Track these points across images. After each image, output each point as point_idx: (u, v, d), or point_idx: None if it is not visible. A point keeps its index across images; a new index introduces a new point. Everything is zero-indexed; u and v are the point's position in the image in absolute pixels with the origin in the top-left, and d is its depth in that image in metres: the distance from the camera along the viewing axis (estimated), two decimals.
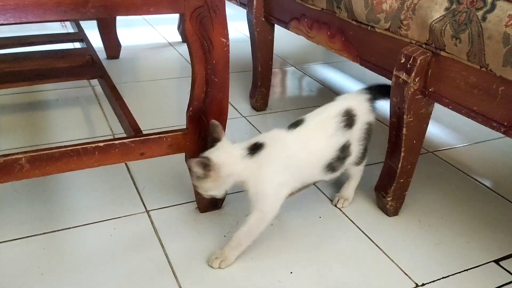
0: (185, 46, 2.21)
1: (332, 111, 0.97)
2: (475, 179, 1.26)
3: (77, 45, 1.69)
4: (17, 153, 0.84)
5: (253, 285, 0.86)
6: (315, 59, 2.18)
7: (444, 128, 1.55)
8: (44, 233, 0.97)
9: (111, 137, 1.34)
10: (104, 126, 1.41)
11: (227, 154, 0.88)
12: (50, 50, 1.37)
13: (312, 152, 0.93)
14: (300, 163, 0.92)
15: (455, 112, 0.88)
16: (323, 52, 2.30)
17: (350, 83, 1.92)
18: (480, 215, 1.11)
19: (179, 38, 2.28)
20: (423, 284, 0.89)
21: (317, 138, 0.94)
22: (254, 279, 0.88)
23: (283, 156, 0.90)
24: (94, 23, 1.89)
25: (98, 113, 1.50)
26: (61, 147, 0.87)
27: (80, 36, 1.51)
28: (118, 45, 1.93)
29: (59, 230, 0.98)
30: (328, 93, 1.79)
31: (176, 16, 2.38)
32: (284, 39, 2.11)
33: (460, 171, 1.29)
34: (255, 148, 0.89)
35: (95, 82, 1.69)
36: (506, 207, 1.14)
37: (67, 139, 1.32)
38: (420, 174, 1.23)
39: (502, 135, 0.82)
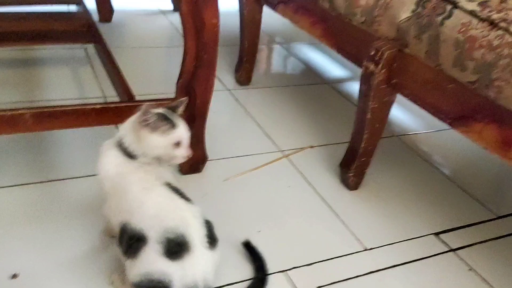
0: (176, 15, 2.27)
1: None
2: (431, 164, 1.40)
3: (73, 8, 1.74)
4: (22, 108, 0.94)
5: (222, 235, 0.96)
6: (301, 39, 2.27)
7: (412, 114, 1.69)
8: (41, 182, 1.07)
9: (102, 99, 1.43)
10: (96, 88, 1.50)
11: None
12: (48, 12, 1.43)
13: None
14: None
15: None
16: None
17: (331, 64, 2.03)
18: (429, 195, 1.26)
19: (171, 7, 2.34)
20: (371, 248, 1.04)
21: None
22: (225, 234, 0.99)
23: None
24: None
25: (90, 75, 1.58)
26: (62, 106, 0.97)
27: None
28: (111, 9, 1.98)
29: (55, 180, 1.08)
30: (309, 72, 1.91)
31: None
32: (274, 16, 2.18)
33: (418, 156, 1.44)
34: None
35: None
36: (452, 189, 1.30)
37: (60, 98, 1.40)
38: (383, 155, 1.37)
39: None
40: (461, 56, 0.86)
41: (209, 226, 0.81)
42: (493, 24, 0.81)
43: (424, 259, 1.04)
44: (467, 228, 1.15)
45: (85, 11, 1.50)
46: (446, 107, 0.93)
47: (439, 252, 1.06)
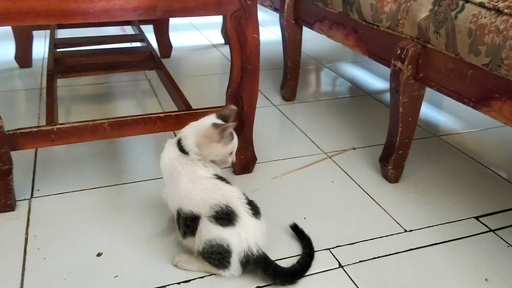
0: (227, 47, 2.50)
1: None
2: (471, 157, 1.45)
3: (135, 44, 2.01)
4: (102, 119, 1.14)
5: (272, 221, 1.08)
6: (342, 59, 2.41)
7: (451, 115, 1.75)
8: (115, 185, 1.26)
9: None
10: (159, 110, 1.71)
11: None
12: (118, 48, 1.69)
13: None
14: None
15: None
16: (351, 52, 2.53)
17: (371, 79, 2.14)
18: (469, 184, 1.31)
19: (222, 41, 2.58)
20: (410, 230, 1.11)
21: None
22: (274, 220, 1.12)
23: None
24: (150, 27, 2.21)
25: (153, 100, 1.80)
26: (133, 115, 1.16)
27: (141, 37, 1.83)
28: (170, 46, 2.24)
29: (126, 183, 1.27)
30: (351, 87, 2.02)
31: (219, 21, 2.68)
32: (317, 40, 2.35)
33: (458, 151, 1.49)
34: None
35: (151, 76, 2.01)
36: (491, 178, 1.34)
37: None
38: (422, 153, 1.44)
39: (500, 124, 1.02)
40: (474, 43, 0.95)
41: (249, 200, 0.94)
42: (499, 12, 0.90)
43: (463, 239, 1.09)
44: (507, 212, 1.19)
45: (148, 45, 1.74)
46: (469, 91, 1.02)
47: (478, 232, 1.11)
